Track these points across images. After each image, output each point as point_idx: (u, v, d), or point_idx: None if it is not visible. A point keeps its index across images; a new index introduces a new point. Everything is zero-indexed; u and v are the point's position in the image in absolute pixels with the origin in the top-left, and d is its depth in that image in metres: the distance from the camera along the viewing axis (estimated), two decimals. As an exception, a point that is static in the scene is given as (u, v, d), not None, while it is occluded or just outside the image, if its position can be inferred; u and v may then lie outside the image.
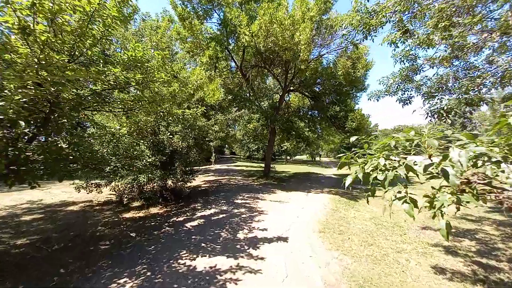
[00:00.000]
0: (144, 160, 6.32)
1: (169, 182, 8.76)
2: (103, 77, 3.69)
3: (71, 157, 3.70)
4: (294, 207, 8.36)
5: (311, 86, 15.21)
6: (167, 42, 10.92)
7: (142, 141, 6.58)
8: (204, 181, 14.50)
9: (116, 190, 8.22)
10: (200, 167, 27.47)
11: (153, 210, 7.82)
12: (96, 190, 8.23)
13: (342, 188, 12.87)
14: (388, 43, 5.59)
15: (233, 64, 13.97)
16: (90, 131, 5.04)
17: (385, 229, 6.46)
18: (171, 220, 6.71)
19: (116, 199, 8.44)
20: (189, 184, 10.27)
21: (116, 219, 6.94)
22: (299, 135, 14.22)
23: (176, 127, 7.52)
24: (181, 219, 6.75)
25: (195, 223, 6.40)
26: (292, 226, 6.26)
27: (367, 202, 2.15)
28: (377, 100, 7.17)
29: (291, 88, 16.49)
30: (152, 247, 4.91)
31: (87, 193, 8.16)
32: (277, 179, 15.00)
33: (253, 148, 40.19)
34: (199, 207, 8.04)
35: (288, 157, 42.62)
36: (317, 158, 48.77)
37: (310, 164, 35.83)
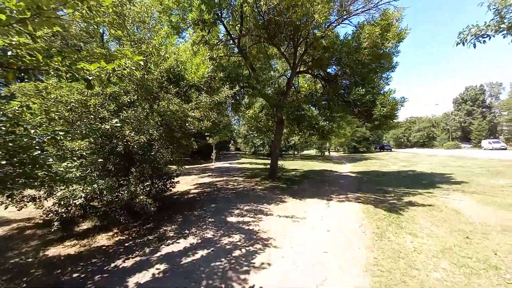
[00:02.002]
0: (65, 165, 3.62)
1: (140, 195, 6.08)
2: None
3: None
4: (315, 229, 5.57)
5: (326, 65, 12.20)
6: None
7: (66, 132, 3.86)
8: (197, 184, 11.83)
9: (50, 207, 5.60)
10: (200, 165, 24.96)
11: (102, 237, 5.16)
12: (36, 205, 5.66)
13: (371, 191, 10.01)
14: None
15: (227, 36, 11.09)
16: None
17: (476, 276, 3.67)
18: (112, 265, 4.00)
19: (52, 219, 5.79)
20: (174, 189, 7.61)
21: (31, 259, 4.30)
22: (312, 126, 11.39)
23: (128, 112, 4.81)
24: (127, 264, 4.01)
25: (148, 274, 3.67)
26: (324, 283, 3.47)
27: None
28: (480, 43, 3.90)
29: (301, 69, 13.51)
30: None
31: (18, 210, 5.58)
32: (286, 181, 12.20)
33: (258, 143, 37.45)
34: (172, 233, 5.32)
35: (296, 153, 39.71)
36: (326, 153, 45.65)
37: (320, 159, 32.85)
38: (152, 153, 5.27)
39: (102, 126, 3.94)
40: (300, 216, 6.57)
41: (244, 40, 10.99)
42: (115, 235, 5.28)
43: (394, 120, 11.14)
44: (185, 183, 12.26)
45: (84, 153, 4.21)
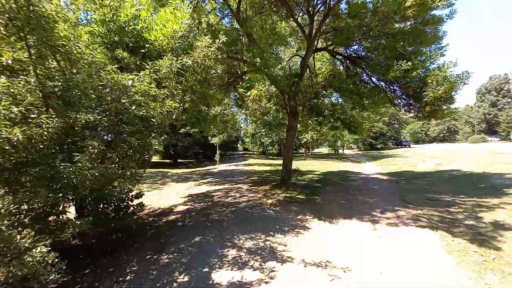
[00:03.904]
0: None
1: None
2: None
3: None
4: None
5: (352, 39, 9.27)
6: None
7: None
8: (188, 196, 9.20)
9: None
10: (203, 168, 22.36)
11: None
12: None
13: (425, 204, 7.12)
14: None
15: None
16: None
17: None
18: None
19: None
20: (154, 205, 4.98)
21: None
22: (337, 116, 8.55)
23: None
24: None
25: None
26: None
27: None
28: None
29: (319, 45, 10.63)
30: None
31: None
32: (304, 188, 9.39)
33: (267, 142, 34.72)
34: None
35: (307, 151, 36.66)
36: (340, 151, 42.27)
37: (334, 158, 29.70)
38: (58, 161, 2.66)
39: None
40: (340, 264, 3.78)
41: (244, 4, 8.22)
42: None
43: (452, 105, 8.12)
44: (175, 194, 9.69)
45: None
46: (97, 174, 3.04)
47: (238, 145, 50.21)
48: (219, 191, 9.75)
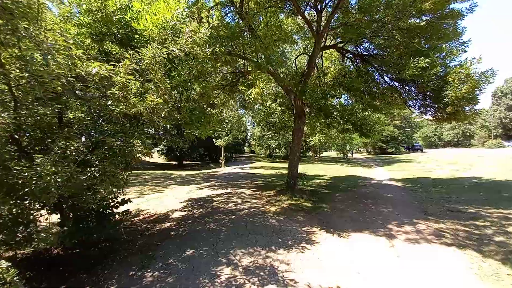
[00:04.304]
0: None
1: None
2: None
3: None
4: None
5: (362, 35, 8.65)
6: None
7: None
8: (188, 201, 8.72)
9: None
10: (207, 171, 21.91)
11: None
12: None
13: (447, 216, 6.40)
14: None
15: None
16: None
17: None
18: None
19: None
20: (151, 210, 4.51)
21: None
22: (347, 118, 7.90)
23: None
24: None
25: None
26: None
27: None
28: None
29: (327, 43, 10.06)
30: None
31: None
32: (311, 195, 8.74)
33: (274, 145, 34.12)
34: None
35: (315, 155, 35.73)
36: (349, 155, 41.06)
37: (343, 162, 28.73)
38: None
39: None
40: (353, 291, 3.17)
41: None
42: None
43: (475, 107, 7.34)
44: (175, 198, 9.23)
45: None
46: (64, 179, 2.57)
47: (245, 147, 49.84)
48: (220, 196, 9.23)
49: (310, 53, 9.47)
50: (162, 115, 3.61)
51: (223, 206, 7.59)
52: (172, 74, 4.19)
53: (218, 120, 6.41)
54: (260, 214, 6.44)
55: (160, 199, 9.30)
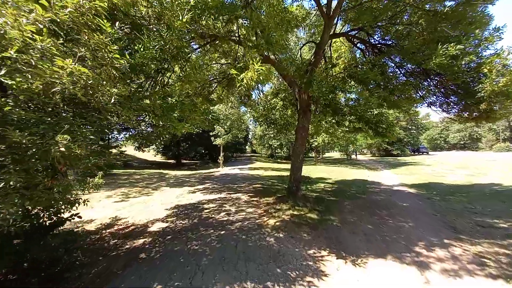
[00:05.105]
0: None
1: None
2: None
3: None
4: None
5: (383, 15, 7.45)
6: None
7: None
8: (174, 208, 7.61)
9: None
10: (205, 171, 20.73)
11: None
12: None
13: (479, 233, 5.27)
14: None
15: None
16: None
17: None
18: None
19: None
20: (130, 220, 3.40)
21: None
22: (360, 116, 6.74)
23: None
24: None
25: None
26: None
27: None
28: None
29: (337, 30, 8.89)
30: None
31: None
32: (316, 203, 7.60)
33: (275, 145, 32.96)
34: None
35: (318, 155, 34.45)
36: (353, 156, 39.73)
37: (347, 164, 27.50)
38: None
39: None
40: None
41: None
42: None
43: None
44: (161, 204, 8.13)
45: None
46: None
47: (247, 147, 48.70)
48: (212, 202, 8.10)
49: (318, 41, 8.32)
50: (112, 101, 2.50)
51: (213, 216, 6.46)
52: (136, 47, 3.08)
53: (204, 112, 5.26)
54: (256, 229, 5.30)
55: (145, 204, 8.21)
